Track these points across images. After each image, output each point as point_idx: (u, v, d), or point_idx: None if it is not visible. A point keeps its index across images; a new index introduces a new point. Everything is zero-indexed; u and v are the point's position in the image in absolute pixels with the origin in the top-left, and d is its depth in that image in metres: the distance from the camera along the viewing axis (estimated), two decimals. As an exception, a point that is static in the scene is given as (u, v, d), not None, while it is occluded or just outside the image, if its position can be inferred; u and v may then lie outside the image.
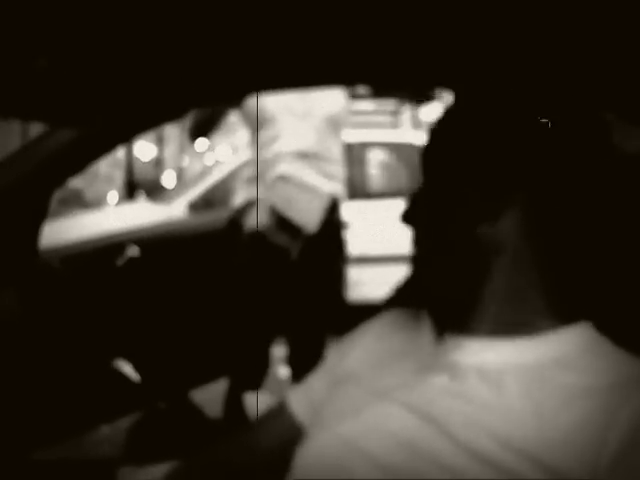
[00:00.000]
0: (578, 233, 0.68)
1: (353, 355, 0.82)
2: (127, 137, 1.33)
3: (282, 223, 2.11)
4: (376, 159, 5.26)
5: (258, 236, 2.11)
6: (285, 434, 0.84)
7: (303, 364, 2.21)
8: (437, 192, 0.72)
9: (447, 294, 0.72)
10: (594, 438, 0.57)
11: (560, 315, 0.69)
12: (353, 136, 5.02)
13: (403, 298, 1.05)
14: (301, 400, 0.85)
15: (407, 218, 0.75)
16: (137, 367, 1.80)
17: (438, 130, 0.75)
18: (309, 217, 2.15)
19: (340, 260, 2.37)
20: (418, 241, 0.75)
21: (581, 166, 0.68)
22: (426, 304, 0.78)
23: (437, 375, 0.69)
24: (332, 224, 2.23)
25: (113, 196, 8.23)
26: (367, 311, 0.93)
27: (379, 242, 4.66)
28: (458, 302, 0.71)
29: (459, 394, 0.65)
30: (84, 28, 0.72)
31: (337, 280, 2.37)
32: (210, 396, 2.02)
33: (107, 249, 2.67)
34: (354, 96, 3.44)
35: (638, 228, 0.79)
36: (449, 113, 0.75)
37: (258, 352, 2.26)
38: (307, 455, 0.72)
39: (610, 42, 0.73)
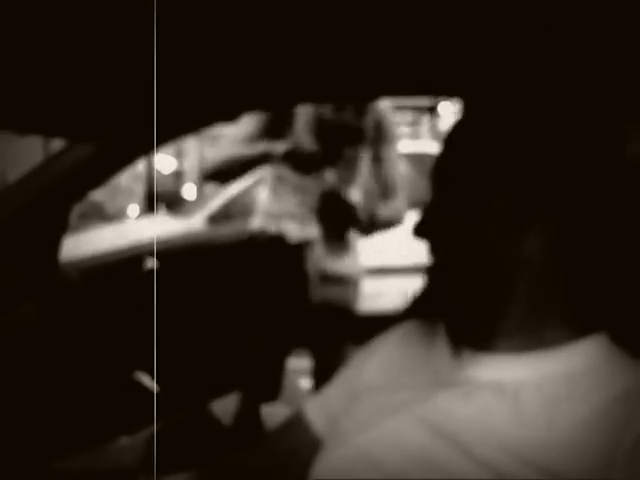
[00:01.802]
0: (598, 247, 0.68)
1: (370, 367, 0.82)
2: (146, 150, 1.35)
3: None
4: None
5: (277, 247, 2.13)
6: (302, 444, 0.84)
7: (325, 376, 2.21)
8: (458, 206, 0.70)
9: (467, 311, 0.71)
10: (606, 450, 0.57)
11: (576, 328, 0.68)
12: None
13: (419, 310, 1.05)
14: (318, 410, 0.85)
15: (420, 232, 0.74)
16: (156, 379, 1.81)
17: (456, 142, 0.73)
18: None
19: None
20: (435, 255, 0.74)
21: (602, 179, 0.66)
22: (443, 318, 0.78)
23: (453, 390, 0.68)
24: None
25: (134, 209, 8.30)
26: (384, 322, 0.93)
27: (397, 254, 4.65)
28: (477, 319, 0.70)
29: (475, 410, 0.65)
30: (100, 45, 0.74)
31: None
32: (229, 407, 2.03)
33: (127, 262, 2.70)
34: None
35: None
36: (467, 123, 0.73)
37: (277, 364, 2.27)
38: (323, 467, 0.72)
39: (623, 47, 0.73)
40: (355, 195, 2.10)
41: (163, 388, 1.78)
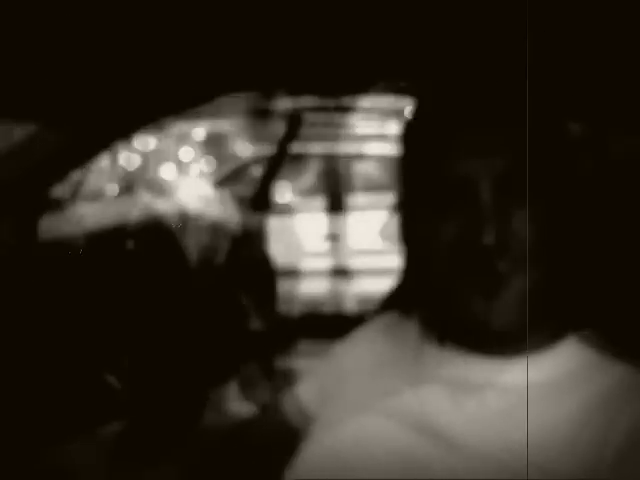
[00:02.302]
0: (578, 245, 0.68)
1: (343, 362, 0.82)
2: (110, 142, 1.32)
3: None
4: (363, 172, 5.27)
5: None
6: (274, 436, 0.84)
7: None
8: (432, 204, 0.68)
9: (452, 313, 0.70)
10: (595, 449, 0.58)
11: (556, 329, 0.69)
12: (340, 148, 5.04)
13: (390, 308, 1.05)
14: (290, 404, 0.84)
15: (392, 233, 0.73)
16: (123, 372, 1.78)
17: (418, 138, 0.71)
18: None
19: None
20: (412, 255, 0.74)
21: (579, 174, 0.68)
22: (422, 316, 0.77)
23: (437, 389, 0.68)
24: None
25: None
26: (354, 321, 0.93)
27: (365, 255, 4.66)
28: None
29: (461, 409, 0.65)
30: (74, 27, 0.72)
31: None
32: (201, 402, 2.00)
33: (108, 241, 2.64)
34: (341, 109, 3.46)
35: (625, 233, 0.80)
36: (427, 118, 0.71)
37: (260, 363, 2.28)
38: (299, 468, 0.72)
39: (602, 49, 0.74)
40: None
41: (130, 382, 1.75)
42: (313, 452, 0.72)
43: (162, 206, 2.32)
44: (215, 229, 2.38)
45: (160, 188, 2.25)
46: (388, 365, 0.76)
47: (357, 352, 0.82)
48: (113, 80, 0.93)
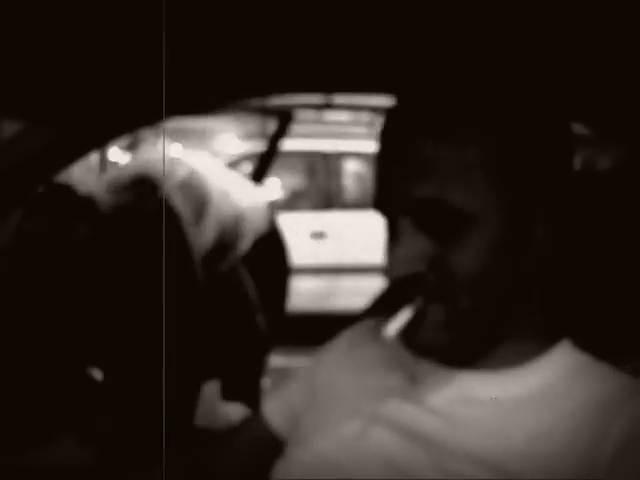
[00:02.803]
0: (568, 257, 0.68)
1: (326, 368, 0.81)
2: (102, 141, 1.32)
3: None
4: (351, 170, 5.28)
5: None
6: (259, 443, 0.83)
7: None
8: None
9: None
10: (587, 458, 0.58)
11: (545, 338, 0.68)
12: (329, 146, 5.04)
13: (380, 309, 1.05)
14: (276, 409, 0.84)
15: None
16: (107, 370, 1.77)
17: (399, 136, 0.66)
18: None
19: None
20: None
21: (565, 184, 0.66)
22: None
23: (424, 397, 0.68)
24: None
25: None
26: (343, 322, 0.92)
27: (354, 252, 4.67)
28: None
29: (448, 419, 0.65)
30: (62, 28, 0.72)
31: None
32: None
33: None
34: (330, 106, 3.44)
35: (605, 242, 0.80)
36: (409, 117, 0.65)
37: (245, 361, 2.25)
38: (284, 471, 0.72)
39: (586, 54, 0.74)
40: None
41: (114, 380, 1.75)
42: (300, 455, 0.71)
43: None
44: (242, 216, 2.19)
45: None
46: (372, 370, 0.75)
47: (341, 356, 0.81)
48: (111, 82, 0.92)
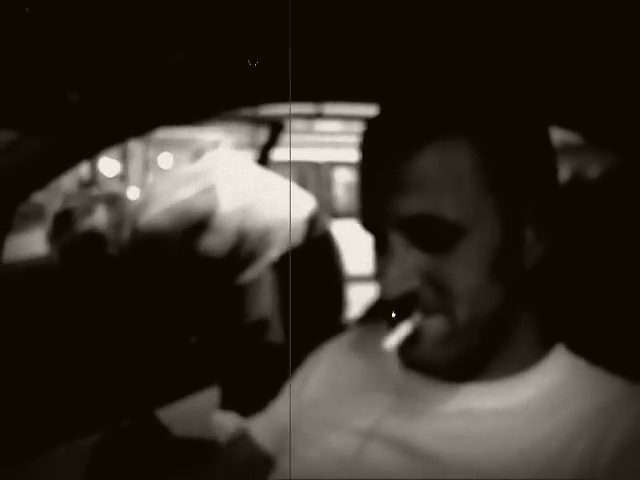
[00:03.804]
0: (561, 261, 0.68)
1: (313, 379, 0.80)
2: (92, 152, 1.31)
3: None
4: (343, 179, 5.29)
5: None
6: (248, 461, 0.82)
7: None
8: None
9: None
10: (586, 464, 0.57)
11: (540, 344, 0.68)
12: (320, 156, 5.05)
13: (372, 317, 1.05)
14: (264, 426, 0.83)
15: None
16: (100, 383, 1.76)
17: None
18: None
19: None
20: None
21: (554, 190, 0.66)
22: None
23: (419, 411, 0.67)
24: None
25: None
26: (336, 332, 0.92)
27: (345, 261, 4.66)
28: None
29: (444, 432, 0.64)
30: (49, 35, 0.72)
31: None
32: (177, 415, 1.98)
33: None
34: (321, 116, 3.45)
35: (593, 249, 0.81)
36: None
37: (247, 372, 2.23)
38: None
39: (577, 61, 0.75)
40: None
41: (107, 393, 1.73)
42: (293, 467, 0.70)
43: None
44: (271, 226, 2.12)
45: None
46: (361, 381, 0.74)
47: (327, 371, 0.80)
48: (101, 91, 0.92)
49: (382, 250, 0.65)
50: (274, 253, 2.13)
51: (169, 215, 1.96)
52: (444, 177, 0.59)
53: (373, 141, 0.64)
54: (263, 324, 2.12)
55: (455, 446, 0.62)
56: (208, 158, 2.23)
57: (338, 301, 2.35)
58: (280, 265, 2.11)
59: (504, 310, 0.64)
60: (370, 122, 0.66)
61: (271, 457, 0.79)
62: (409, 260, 0.62)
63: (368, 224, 0.66)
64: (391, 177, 0.61)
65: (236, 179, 2.14)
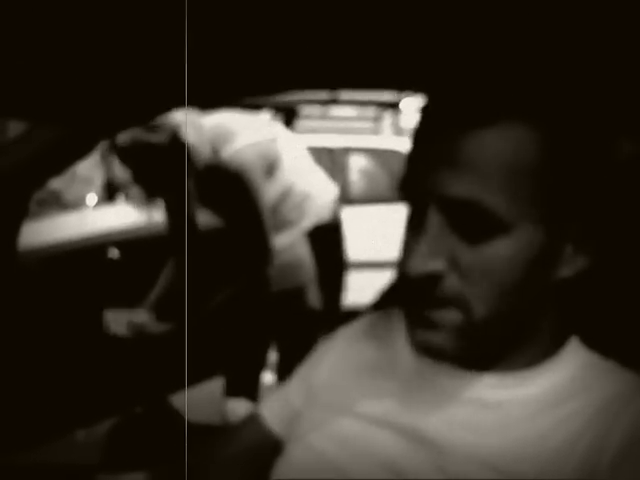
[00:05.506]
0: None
1: (325, 368, 0.80)
2: (107, 136, 1.32)
3: None
4: (357, 165, 5.27)
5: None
6: (258, 444, 0.82)
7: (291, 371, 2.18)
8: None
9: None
10: (591, 457, 0.57)
11: (555, 338, 0.67)
12: (334, 142, 5.03)
13: (386, 304, 1.04)
14: (275, 410, 0.83)
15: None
16: (114, 370, 1.78)
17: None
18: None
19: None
20: None
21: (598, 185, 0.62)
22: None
23: (429, 400, 0.67)
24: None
25: (92, 198, 8.15)
26: (351, 317, 0.92)
27: (360, 248, 4.66)
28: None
29: (457, 422, 0.64)
30: (62, 29, 0.72)
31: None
32: (191, 401, 2.00)
33: (87, 251, 2.64)
34: (336, 102, 3.44)
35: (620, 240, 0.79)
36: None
37: (248, 357, 2.26)
38: (282, 468, 0.71)
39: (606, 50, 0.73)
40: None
41: (122, 380, 1.75)
42: (299, 454, 0.71)
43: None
44: (309, 195, 2.23)
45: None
46: (372, 370, 0.74)
47: (339, 355, 0.79)
48: (115, 76, 0.92)
49: (415, 224, 0.62)
50: (307, 223, 2.20)
51: (255, 150, 2.04)
52: (503, 167, 0.56)
53: (438, 110, 0.60)
54: (301, 290, 2.17)
55: (464, 435, 0.62)
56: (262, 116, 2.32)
57: (337, 285, 2.44)
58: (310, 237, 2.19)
59: (524, 313, 0.63)
60: (437, 91, 0.62)
61: (280, 441, 0.80)
62: (441, 241, 0.59)
63: (409, 194, 0.63)
64: (448, 152, 0.57)
65: (290, 141, 2.25)
